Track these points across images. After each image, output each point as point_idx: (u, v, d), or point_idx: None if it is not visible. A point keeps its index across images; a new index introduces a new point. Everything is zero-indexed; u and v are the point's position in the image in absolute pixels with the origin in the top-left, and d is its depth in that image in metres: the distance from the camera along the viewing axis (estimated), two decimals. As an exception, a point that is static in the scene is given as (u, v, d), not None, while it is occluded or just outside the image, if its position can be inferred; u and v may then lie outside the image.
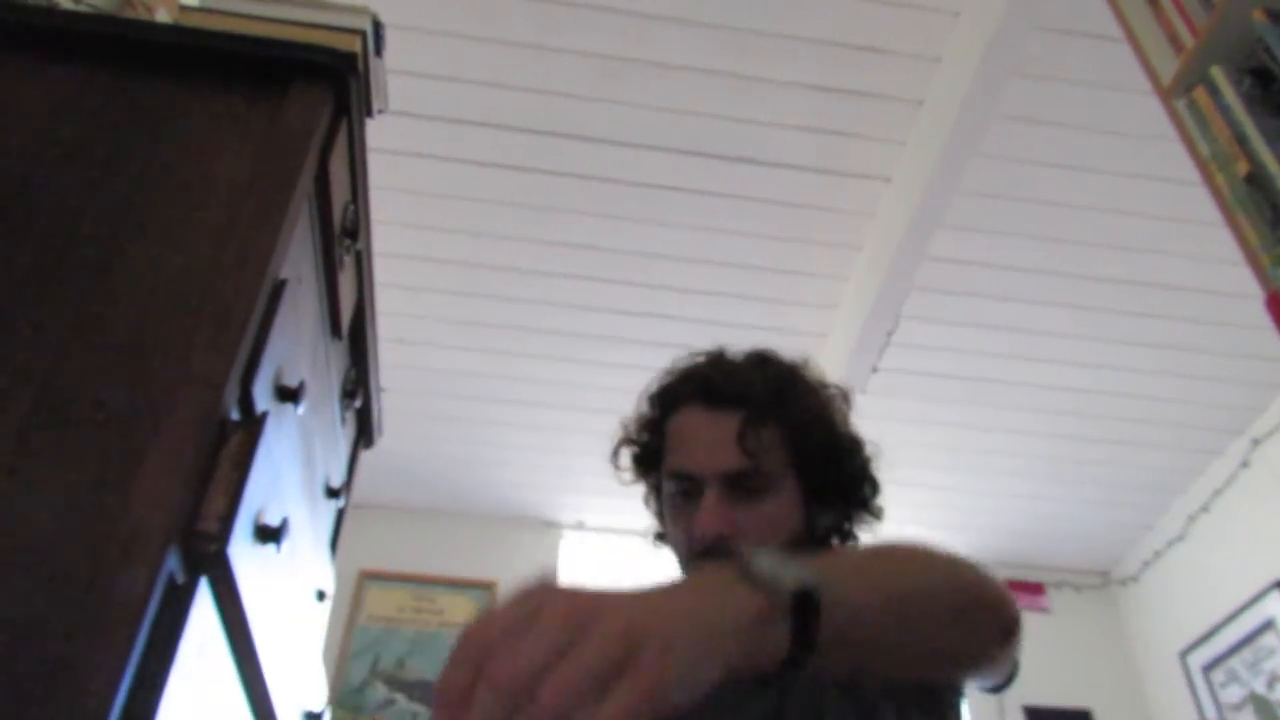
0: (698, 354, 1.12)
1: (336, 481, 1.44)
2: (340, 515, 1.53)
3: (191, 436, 0.82)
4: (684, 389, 1.07)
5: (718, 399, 1.03)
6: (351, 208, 1.24)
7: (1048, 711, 3.65)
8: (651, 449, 1.09)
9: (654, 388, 1.12)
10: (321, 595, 1.38)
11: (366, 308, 1.46)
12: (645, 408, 1.12)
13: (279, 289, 0.95)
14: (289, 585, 1.11)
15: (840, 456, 1.06)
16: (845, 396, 1.11)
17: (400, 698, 3.52)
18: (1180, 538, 3.76)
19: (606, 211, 2.80)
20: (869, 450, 1.08)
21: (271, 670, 1.04)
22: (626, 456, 1.13)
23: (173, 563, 0.77)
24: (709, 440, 1.01)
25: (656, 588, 0.49)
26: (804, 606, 0.51)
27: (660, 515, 1.11)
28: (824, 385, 1.10)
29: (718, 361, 1.10)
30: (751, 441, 0.99)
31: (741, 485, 0.99)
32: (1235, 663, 3.39)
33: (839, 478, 1.05)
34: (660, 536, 1.13)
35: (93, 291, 0.89)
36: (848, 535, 1.08)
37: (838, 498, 1.06)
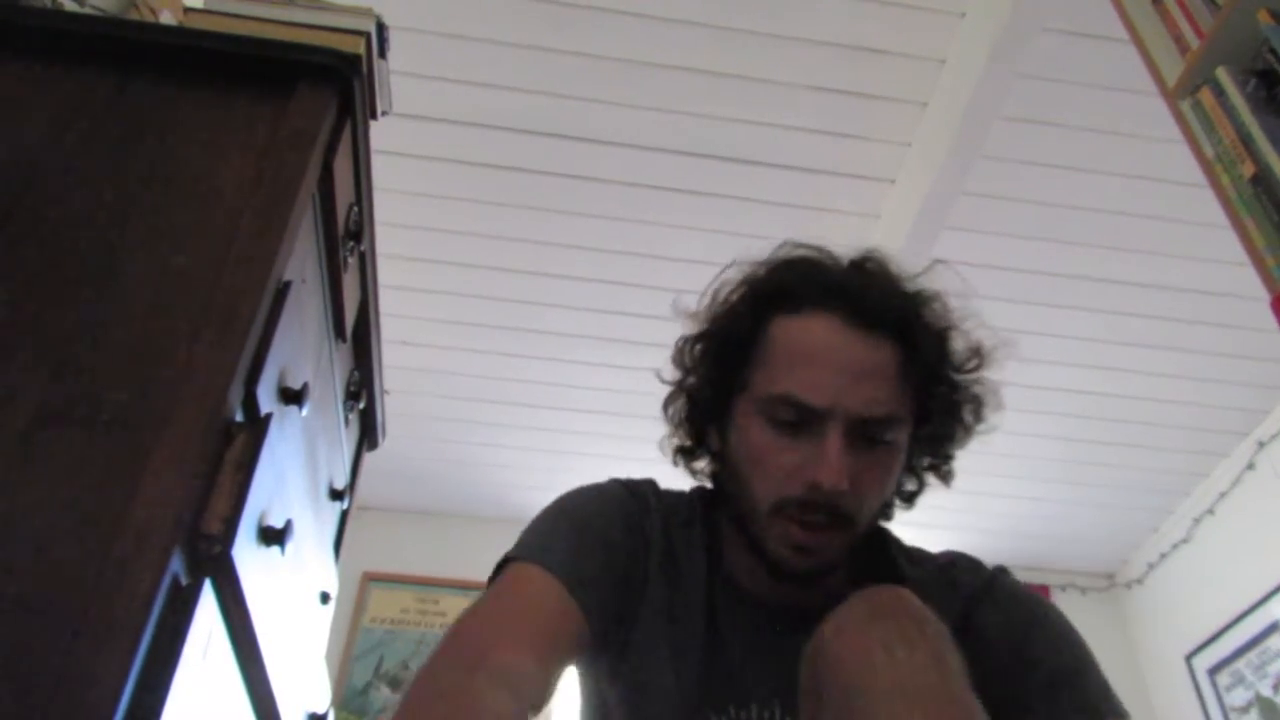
0: (801, 248, 0.89)
1: (340, 483, 1.44)
2: (344, 517, 1.53)
3: (195, 438, 0.82)
4: (815, 290, 0.84)
5: (868, 317, 0.81)
6: (355, 209, 1.24)
7: (1052, 714, 3.63)
8: (742, 350, 0.86)
9: (758, 275, 0.89)
10: (325, 597, 1.38)
11: (370, 309, 1.47)
12: (737, 297, 0.89)
13: (283, 290, 0.96)
14: (292, 587, 1.11)
15: (959, 412, 0.88)
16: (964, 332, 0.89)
17: (404, 700, 3.52)
18: (1186, 540, 3.75)
19: (610, 213, 2.79)
20: (987, 409, 0.89)
21: (275, 672, 1.04)
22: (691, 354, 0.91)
23: (177, 564, 0.77)
24: (854, 369, 0.79)
25: None
26: None
27: (695, 418, 0.91)
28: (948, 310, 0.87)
29: (861, 270, 0.87)
30: (904, 385, 0.80)
31: (868, 431, 0.80)
32: (1241, 665, 3.38)
33: (946, 437, 0.89)
34: (684, 451, 0.94)
35: (97, 293, 0.89)
36: (910, 497, 0.92)
37: (926, 459, 0.89)
